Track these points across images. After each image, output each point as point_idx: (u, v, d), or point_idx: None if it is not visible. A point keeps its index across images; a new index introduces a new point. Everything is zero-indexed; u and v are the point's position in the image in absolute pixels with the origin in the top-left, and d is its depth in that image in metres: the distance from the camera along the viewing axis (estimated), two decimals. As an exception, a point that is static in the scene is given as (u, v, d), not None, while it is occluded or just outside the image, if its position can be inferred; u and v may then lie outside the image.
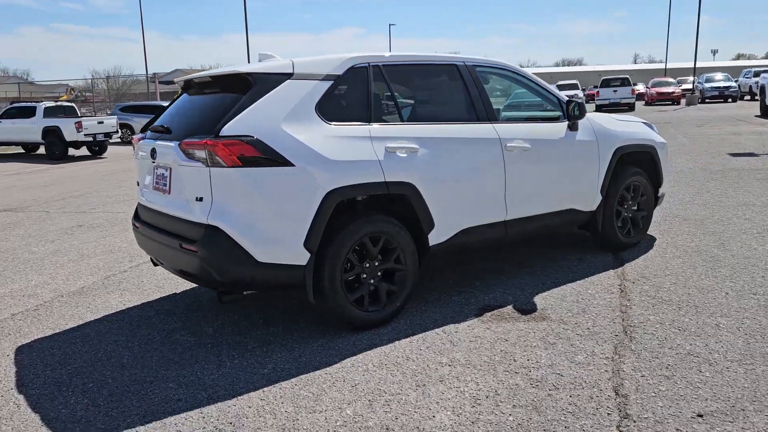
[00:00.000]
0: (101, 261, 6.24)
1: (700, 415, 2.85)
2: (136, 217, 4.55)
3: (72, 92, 61.54)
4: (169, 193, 4.00)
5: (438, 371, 3.44)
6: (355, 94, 4.10)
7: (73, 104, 21.91)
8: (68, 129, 19.55)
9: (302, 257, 3.71)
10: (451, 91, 4.63)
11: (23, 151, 22.66)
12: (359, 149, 3.89)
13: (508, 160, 4.60)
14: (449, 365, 3.51)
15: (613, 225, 5.46)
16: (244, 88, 3.81)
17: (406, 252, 4.13)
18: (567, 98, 5.10)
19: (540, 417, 2.92)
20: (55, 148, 19.82)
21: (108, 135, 20.54)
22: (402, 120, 4.20)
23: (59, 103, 21.44)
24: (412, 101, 4.46)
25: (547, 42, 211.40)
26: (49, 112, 20.45)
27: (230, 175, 3.57)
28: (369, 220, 3.96)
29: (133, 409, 3.20)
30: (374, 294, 4.09)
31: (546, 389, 3.18)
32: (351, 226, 3.88)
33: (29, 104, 21.53)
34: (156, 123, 4.35)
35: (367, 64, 4.16)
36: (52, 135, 19.82)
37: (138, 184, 4.54)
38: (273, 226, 3.65)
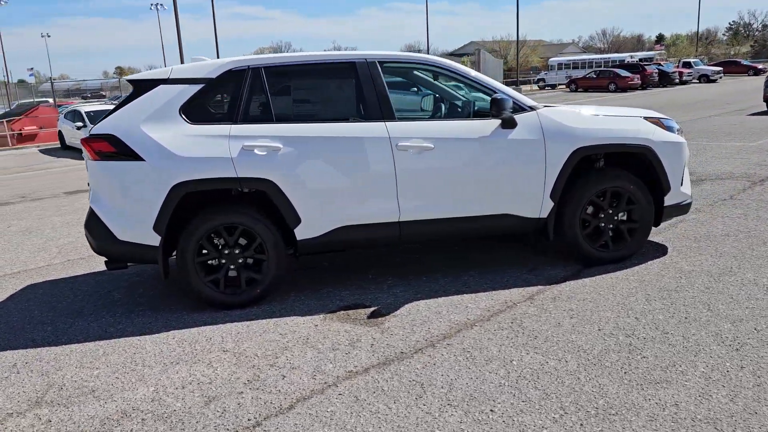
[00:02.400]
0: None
1: (305, 441, 2.79)
2: None
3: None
4: None
5: (205, 355, 3.79)
6: (227, 95, 4.49)
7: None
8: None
9: (154, 239, 4.33)
10: (339, 90, 4.67)
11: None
12: (213, 147, 4.30)
13: (399, 160, 4.49)
14: (223, 351, 3.82)
15: (576, 236, 4.84)
16: (131, 91, 4.52)
17: (268, 243, 4.44)
18: (503, 94, 4.65)
19: (201, 410, 3.15)
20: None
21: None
22: (273, 120, 4.45)
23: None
24: (289, 102, 4.64)
25: None
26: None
27: (95, 166, 4.35)
28: (222, 211, 4.38)
29: (8, 341, 4.23)
30: (237, 278, 4.50)
31: (247, 387, 3.34)
32: (201, 215, 4.35)
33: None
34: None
35: (246, 67, 4.51)
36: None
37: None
38: (128, 211, 4.33)
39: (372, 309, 4.36)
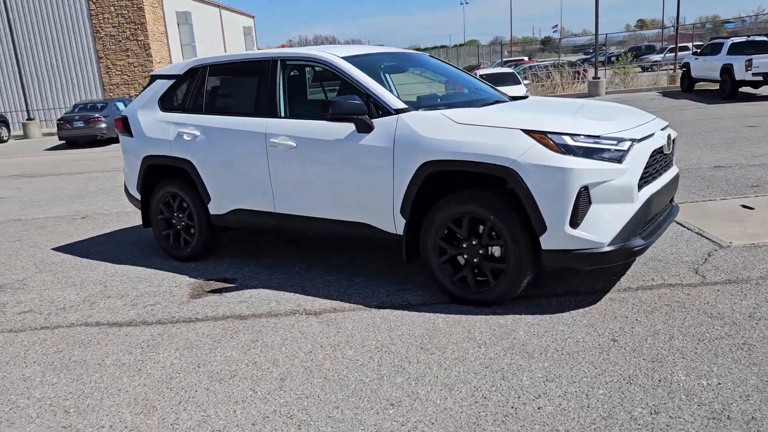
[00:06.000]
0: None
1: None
2: None
3: None
4: None
5: (90, 286, 5.15)
6: (184, 89, 5.51)
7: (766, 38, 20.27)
8: (739, 67, 19.02)
9: (138, 195, 5.84)
10: (247, 86, 5.08)
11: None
12: (162, 131, 5.48)
13: (271, 155, 4.79)
14: (101, 285, 5.11)
15: (429, 263, 4.24)
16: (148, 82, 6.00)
17: (194, 212, 5.43)
18: (356, 97, 4.35)
19: (6, 309, 4.63)
20: (725, 86, 19.66)
21: (787, 74, 18.58)
22: (201, 111, 5.30)
23: (751, 38, 20.48)
24: (216, 96, 5.28)
25: None
26: (734, 49, 20.13)
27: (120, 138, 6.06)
28: (168, 182, 5.55)
29: (75, 250, 6.46)
30: (180, 236, 5.65)
31: (49, 310, 4.62)
32: (158, 184, 5.63)
33: (720, 41, 21.42)
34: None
35: (200, 65, 5.44)
36: (726, 73, 19.69)
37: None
38: (129, 173, 5.92)
39: (227, 285, 4.91)
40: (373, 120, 4.30)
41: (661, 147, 4.09)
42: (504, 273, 3.94)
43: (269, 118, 4.82)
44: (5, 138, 22.49)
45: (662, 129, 4.27)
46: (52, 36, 29.16)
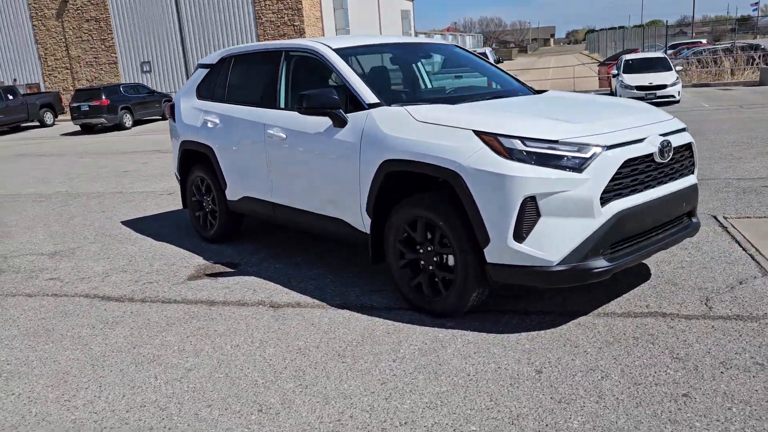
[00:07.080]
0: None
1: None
2: None
3: None
4: None
5: (117, 259, 5.60)
6: (214, 78, 5.71)
7: None
8: None
9: (179, 177, 6.21)
10: (259, 76, 5.13)
11: None
12: (194, 117, 5.75)
13: (268, 146, 4.85)
14: (127, 259, 5.54)
15: (390, 265, 4.08)
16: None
17: (216, 197, 5.68)
18: (351, 88, 4.24)
19: (48, 269, 5.17)
20: None
21: None
22: (224, 100, 5.49)
23: None
24: (237, 85, 5.38)
25: None
26: None
27: (169, 122, 6.45)
28: (197, 167, 5.83)
29: (124, 231, 7.03)
30: (207, 218, 5.92)
31: (75, 280, 5.11)
32: (192, 168, 5.94)
33: None
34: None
35: (229, 55, 5.62)
36: None
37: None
38: (174, 155, 6.30)
39: (226, 270, 5.08)
40: (348, 114, 4.17)
41: (651, 155, 3.53)
42: (453, 284, 3.66)
43: (269, 109, 4.86)
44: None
45: (663, 134, 3.67)
46: (217, 22, 31.52)
